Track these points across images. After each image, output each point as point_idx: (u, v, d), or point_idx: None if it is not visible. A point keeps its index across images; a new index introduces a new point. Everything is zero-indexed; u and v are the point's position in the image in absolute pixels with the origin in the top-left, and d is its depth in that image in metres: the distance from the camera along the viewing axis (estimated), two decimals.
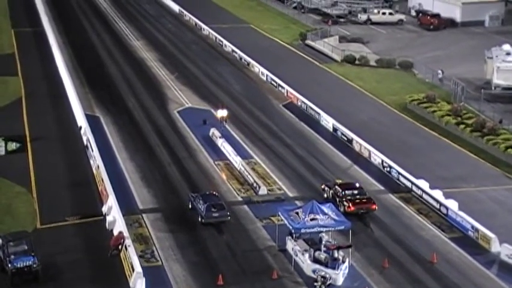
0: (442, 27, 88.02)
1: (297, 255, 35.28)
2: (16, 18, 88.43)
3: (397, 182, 45.00)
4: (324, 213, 35.42)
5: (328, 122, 54.35)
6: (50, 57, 70.18)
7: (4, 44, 76.58)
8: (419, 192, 42.99)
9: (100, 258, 35.26)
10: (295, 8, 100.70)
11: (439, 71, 65.68)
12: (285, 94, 62.10)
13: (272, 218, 39.17)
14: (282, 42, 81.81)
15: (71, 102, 57.02)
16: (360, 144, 49.74)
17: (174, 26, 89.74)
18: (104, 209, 39.55)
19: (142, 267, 33.27)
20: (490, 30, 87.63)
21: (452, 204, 40.73)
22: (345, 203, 40.25)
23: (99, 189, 42.10)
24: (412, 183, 43.74)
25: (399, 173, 45.05)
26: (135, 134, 52.09)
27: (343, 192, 40.88)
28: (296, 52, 78.01)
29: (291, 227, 35.46)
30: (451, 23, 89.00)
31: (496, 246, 37.12)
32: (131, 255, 34.08)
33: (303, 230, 34.98)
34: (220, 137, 50.06)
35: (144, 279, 32.26)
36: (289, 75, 65.54)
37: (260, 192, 42.72)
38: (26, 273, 32.70)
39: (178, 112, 57.09)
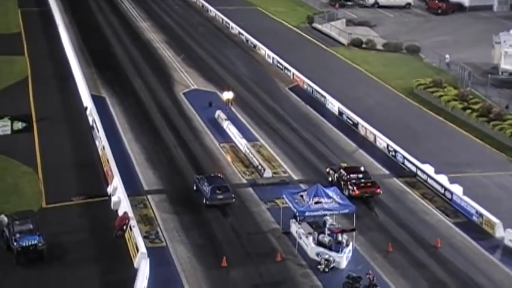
0: (450, 12, 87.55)
1: (301, 238, 35.38)
2: None
3: (402, 166, 44.99)
4: (329, 197, 35.47)
5: (334, 105, 54.26)
6: (56, 37, 70.11)
7: (11, 24, 76.50)
8: (424, 176, 42.98)
9: (105, 238, 35.42)
10: None
11: (447, 56, 65.37)
12: (291, 77, 61.98)
13: (277, 201, 39.24)
14: (289, 25, 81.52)
15: (77, 82, 57.01)
16: (366, 128, 49.68)
17: (180, 8, 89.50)
18: (109, 189, 39.65)
19: (147, 248, 33.42)
20: (498, 14, 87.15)
21: (457, 189, 40.73)
22: (350, 186, 40.28)
23: (105, 169, 42.20)
24: (417, 167, 43.73)
25: (404, 158, 45.03)
26: (140, 116, 52.10)
27: (347, 176, 40.89)
28: (303, 35, 77.75)
29: (295, 210, 35.52)
30: (459, 8, 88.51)
31: (500, 232, 37.17)
32: (136, 235, 34.22)
33: (307, 213, 35.04)
34: (225, 119, 50.05)
35: (148, 260, 32.43)
36: (295, 58, 65.38)
37: (265, 175, 42.76)
38: (31, 252, 32.88)
39: (184, 94, 57.06)
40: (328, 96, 55.42)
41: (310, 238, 34.80)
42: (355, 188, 40.13)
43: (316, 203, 35.14)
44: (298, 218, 35.80)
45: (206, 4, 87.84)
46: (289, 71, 62.59)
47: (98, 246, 35.03)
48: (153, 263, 32.63)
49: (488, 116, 52.19)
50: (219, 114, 51.15)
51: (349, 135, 49.92)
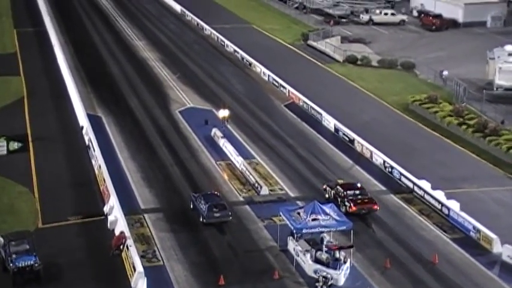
0: (444, 28, 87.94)
1: (298, 256, 35.29)
2: (18, 18, 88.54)
3: (399, 182, 44.99)
4: (326, 214, 35.42)
5: (329, 122, 54.34)
6: (51, 57, 70.22)
7: (6, 44, 76.67)
8: (421, 192, 42.98)
9: (102, 258, 35.29)
10: (297, 8, 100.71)
11: (445, 72, 65.41)
12: (287, 94, 62.10)
13: (274, 218, 39.17)
14: (284, 43, 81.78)
15: (73, 102, 57.05)
16: (362, 144, 49.73)
17: (176, 26, 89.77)
18: (106, 208, 39.56)
19: (144, 267, 33.27)
20: (492, 30, 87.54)
21: (454, 205, 40.71)
22: (347, 203, 40.25)
23: (101, 189, 42.12)
24: (414, 183, 43.73)
25: (401, 174, 45.04)
26: (136, 134, 52.11)
27: (344, 193, 40.88)
28: (298, 52, 77.97)
29: (292, 227, 35.46)
30: (453, 24, 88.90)
31: (497, 247, 37.11)
32: (133, 255, 34.10)
33: (304, 230, 34.99)
34: (222, 137, 50.07)
35: (145, 279, 32.28)
36: (291, 76, 65.53)
37: (262, 193, 42.73)
38: (27, 272, 32.72)
39: (180, 112, 57.10)
40: (324, 113, 55.52)
41: (308, 255, 34.71)
42: (352, 204, 40.10)
43: (313, 220, 35.09)
44: (295, 235, 35.75)
45: (201, 22, 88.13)
46: (285, 88, 62.74)
47: (94, 265, 34.89)
48: (151, 282, 32.47)
49: (484, 131, 52.29)
50: (215, 132, 51.18)
51: (345, 151, 49.95)
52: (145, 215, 39.80)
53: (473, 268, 35.90)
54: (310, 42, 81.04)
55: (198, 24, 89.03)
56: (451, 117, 55.54)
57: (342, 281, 33.75)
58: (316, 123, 55.42)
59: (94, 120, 52.81)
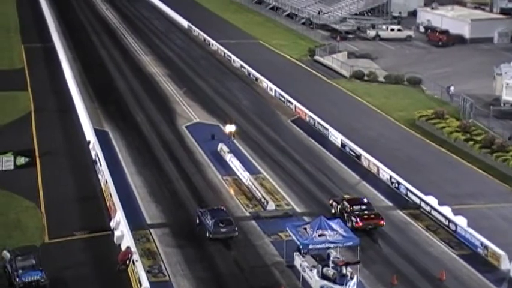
0: (450, 44, 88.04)
1: (305, 271, 35.15)
2: (26, 34, 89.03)
3: (406, 198, 44.86)
4: (332, 229, 35.31)
5: (336, 137, 54.31)
6: (59, 73, 70.51)
7: (14, 59, 77.06)
8: (427, 208, 42.81)
9: (108, 273, 35.22)
10: (303, 23, 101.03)
11: (452, 88, 65.40)
12: (293, 109, 62.14)
13: (280, 234, 39.05)
14: (291, 58, 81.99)
15: (80, 117, 57.21)
16: (368, 160, 49.65)
17: (182, 42, 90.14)
18: (112, 223, 39.54)
19: (150, 283, 33.20)
20: (498, 46, 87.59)
21: (461, 221, 40.54)
22: (353, 218, 40.13)
23: (107, 203, 42.13)
24: (421, 199, 43.58)
25: (408, 189, 44.90)
26: (143, 149, 52.18)
27: (351, 208, 40.76)
28: (304, 68, 78.15)
29: (299, 243, 35.36)
30: (460, 40, 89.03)
31: (505, 264, 36.88)
32: (139, 270, 34.03)
33: (311, 246, 34.86)
34: (228, 152, 50.07)
35: None
36: (297, 91, 65.62)
37: (268, 208, 42.65)
38: (33, 287, 32.64)
39: (186, 127, 57.18)
40: (330, 129, 55.49)
41: (314, 271, 34.56)
42: (358, 219, 39.98)
43: (319, 235, 34.97)
44: (302, 251, 35.63)
45: (208, 38, 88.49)
46: (291, 103, 62.79)
47: (100, 281, 34.82)
48: None
49: (491, 147, 52.15)
50: (222, 147, 51.20)
51: (352, 167, 49.86)
52: (152, 230, 39.75)
53: (480, 285, 35.66)
54: (317, 57, 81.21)
55: (205, 39, 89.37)
56: (458, 133, 55.43)
57: None
58: (322, 139, 55.38)
59: (101, 135, 52.91)
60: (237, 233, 38.83)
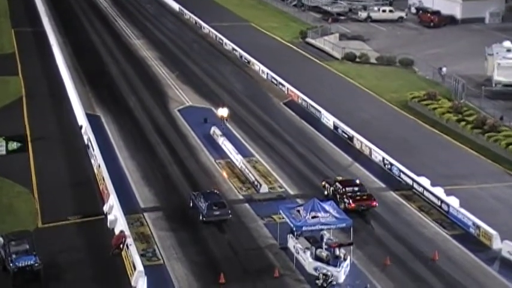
0: (442, 25, 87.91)
1: (298, 253, 35.29)
2: (16, 18, 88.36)
3: (398, 179, 44.99)
4: (325, 211, 35.43)
5: (328, 119, 54.33)
6: (50, 57, 70.16)
7: (4, 44, 76.58)
8: (420, 189, 42.98)
9: (101, 257, 35.29)
10: (295, 6, 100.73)
11: (444, 68, 65.47)
12: (286, 92, 62.10)
13: (273, 216, 39.14)
14: (282, 40, 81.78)
15: (72, 101, 57.02)
16: (361, 141, 49.72)
17: (174, 25, 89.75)
18: (105, 208, 39.55)
19: (144, 266, 33.26)
20: (490, 27, 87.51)
21: (454, 202, 40.72)
22: (346, 200, 40.25)
23: (100, 188, 42.12)
24: (413, 180, 43.73)
25: (400, 171, 45.04)
26: (135, 133, 52.10)
27: (343, 189, 40.87)
28: (296, 50, 77.98)
29: (292, 225, 35.48)
30: (451, 20, 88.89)
31: (497, 243, 37.11)
32: (133, 254, 34.10)
33: (304, 228, 35.00)
34: (221, 136, 50.06)
35: (145, 278, 32.25)
36: (289, 73, 65.52)
37: (261, 191, 42.73)
38: (27, 272, 32.69)
39: (179, 111, 57.08)
40: (323, 111, 55.50)
41: (308, 253, 34.71)
42: (351, 201, 40.10)
43: (313, 217, 35.09)
44: (295, 233, 35.76)
45: (199, 21, 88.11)
46: (284, 86, 62.72)
47: (94, 265, 34.89)
48: (151, 281, 32.43)
49: (483, 127, 52.29)
50: (214, 130, 51.17)
51: (344, 149, 49.95)
52: (145, 214, 39.79)
53: (473, 265, 35.90)
54: (309, 39, 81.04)
55: (196, 22, 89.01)
56: (450, 113, 55.54)
57: (342, 278, 33.73)
58: (315, 121, 55.41)
59: (93, 120, 52.77)
60: (230, 215, 38.92)
